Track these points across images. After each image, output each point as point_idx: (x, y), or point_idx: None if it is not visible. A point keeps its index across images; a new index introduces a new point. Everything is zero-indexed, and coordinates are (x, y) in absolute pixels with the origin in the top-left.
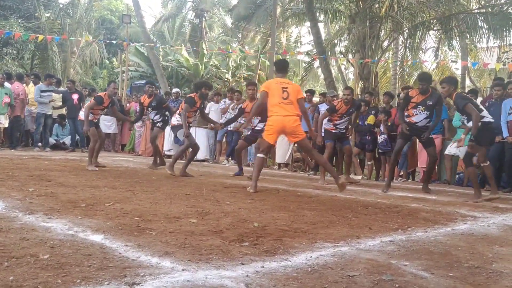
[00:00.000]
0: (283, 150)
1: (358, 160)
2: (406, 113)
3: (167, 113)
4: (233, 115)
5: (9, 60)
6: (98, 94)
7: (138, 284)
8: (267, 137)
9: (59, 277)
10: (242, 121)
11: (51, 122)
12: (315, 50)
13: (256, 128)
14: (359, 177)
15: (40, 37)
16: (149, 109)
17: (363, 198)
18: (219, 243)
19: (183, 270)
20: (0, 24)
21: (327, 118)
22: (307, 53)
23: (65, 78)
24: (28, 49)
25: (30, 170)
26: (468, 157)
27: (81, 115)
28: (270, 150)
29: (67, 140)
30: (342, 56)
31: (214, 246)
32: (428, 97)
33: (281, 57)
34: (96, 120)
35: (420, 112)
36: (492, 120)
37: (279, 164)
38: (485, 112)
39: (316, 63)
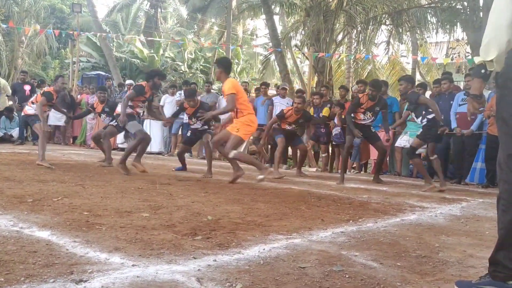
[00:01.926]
0: None
1: (313, 152)
2: (352, 115)
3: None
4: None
5: None
6: (47, 90)
7: (86, 281)
8: (245, 137)
9: (2, 275)
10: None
11: None
12: (270, 43)
13: (196, 127)
14: (314, 169)
15: None
16: (102, 115)
17: (316, 190)
18: (171, 237)
19: (133, 265)
20: None
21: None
22: (263, 46)
23: (13, 68)
24: None
25: None
26: (411, 150)
27: (28, 109)
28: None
29: (15, 132)
30: (298, 49)
31: (166, 240)
32: (376, 103)
33: (231, 50)
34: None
35: (367, 118)
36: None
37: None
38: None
39: (273, 56)
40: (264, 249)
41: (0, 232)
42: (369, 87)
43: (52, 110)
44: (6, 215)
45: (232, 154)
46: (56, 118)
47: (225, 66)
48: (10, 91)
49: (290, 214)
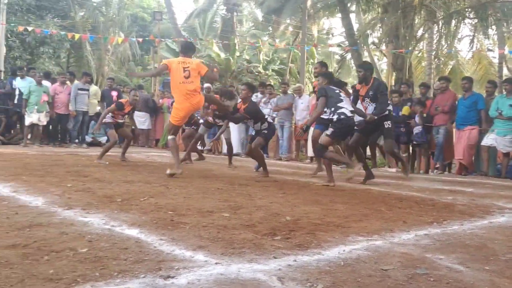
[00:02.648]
0: None
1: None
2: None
3: (198, 116)
4: (266, 109)
5: (46, 59)
6: (120, 101)
7: (173, 277)
8: (175, 122)
9: (97, 270)
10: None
11: (88, 120)
12: (346, 41)
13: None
14: (393, 170)
15: (76, 35)
16: None
17: (397, 191)
18: (251, 237)
19: (216, 263)
20: (37, 23)
21: None
22: (339, 45)
23: (100, 75)
24: (64, 48)
25: (67, 166)
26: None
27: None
28: (178, 130)
29: (103, 139)
30: (375, 47)
31: (247, 240)
32: (370, 88)
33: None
34: (120, 121)
35: (368, 105)
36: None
37: (311, 158)
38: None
39: (348, 55)
40: (344, 250)
41: (94, 230)
42: (356, 68)
43: (136, 114)
44: (98, 214)
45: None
46: (140, 122)
47: (180, 47)
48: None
49: (370, 215)
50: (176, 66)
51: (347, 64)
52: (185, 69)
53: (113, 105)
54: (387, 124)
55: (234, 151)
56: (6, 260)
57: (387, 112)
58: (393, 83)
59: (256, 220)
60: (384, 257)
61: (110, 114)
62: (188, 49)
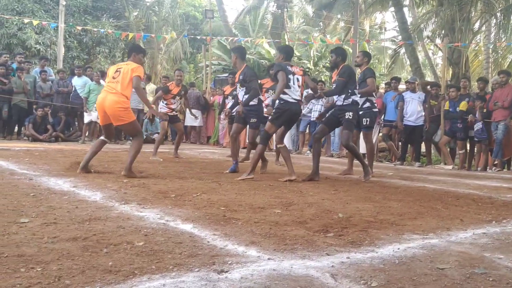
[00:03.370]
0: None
1: (449, 149)
2: None
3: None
4: (318, 105)
5: (102, 59)
6: (166, 85)
7: (227, 271)
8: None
9: (153, 263)
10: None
11: (143, 117)
12: (400, 36)
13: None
14: (450, 167)
15: (130, 35)
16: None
17: (453, 188)
18: (303, 234)
19: (268, 259)
20: (93, 24)
21: None
22: (392, 40)
23: (153, 74)
24: (119, 47)
25: (123, 162)
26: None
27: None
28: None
29: (156, 136)
30: (429, 41)
31: (299, 236)
32: (338, 73)
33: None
34: (172, 114)
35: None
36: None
37: (363, 155)
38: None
39: (402, 50)
40: (398, 249)
41: (149, 224)
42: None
43: (188, 111)
44: (153, 209)
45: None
46: (191, 119)
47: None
48: None
49: (426, 213)
50: (111, 69)
51: (401, 59)
52: (118, 70)
53: (160, 91)
54: (348, 115)
55: None
56: (68, 251)
57: (350, 101)
58: (449, 78)
59: (308, 217)
60: (440, 255)
61: (163, 103)
62: (133, 51)
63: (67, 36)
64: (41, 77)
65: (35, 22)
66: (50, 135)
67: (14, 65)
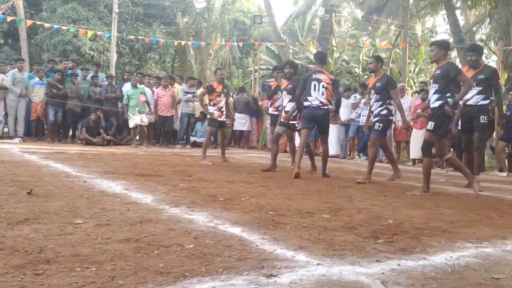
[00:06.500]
0: (418, 145)
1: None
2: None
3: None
4: (366, 109)
5: (152, 64)
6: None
7: (275, 276)
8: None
9: (203, 266)
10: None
11: (194, 121)
12: (451, 39)
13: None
14: (505, 174)
15: (182, 42)
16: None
17: (509, 196)
18: (352, 239)
19: (318, 264)
20: (145, 30)
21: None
22: None
23: (202, 79)
24: (169, 53)
25: (173, 166)
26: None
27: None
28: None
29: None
30: (483, 44)
31: (348, 242)
32: (479, 72)
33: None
34: (221, 119)
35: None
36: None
37: (414, 160)
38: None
39: (453, 53)
40: (451, 257)
41: (199, 227)
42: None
43: (237, 116)
44: (203, 212)
45: None
46: (240, 123)
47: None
48: None
49: (479, 221)
50: None
51: (453, 63)
52: None
53: (203, 90)
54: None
55: (333, 152)
56: (120, 253)
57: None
58: (504, 83)
59: (357, 223)
60: (496, 265)
61: (213, 107)
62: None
63: (119, 42)
64: (93, 82)
65: (89, 33)
66: (102, 139)
67: (70, 71)
